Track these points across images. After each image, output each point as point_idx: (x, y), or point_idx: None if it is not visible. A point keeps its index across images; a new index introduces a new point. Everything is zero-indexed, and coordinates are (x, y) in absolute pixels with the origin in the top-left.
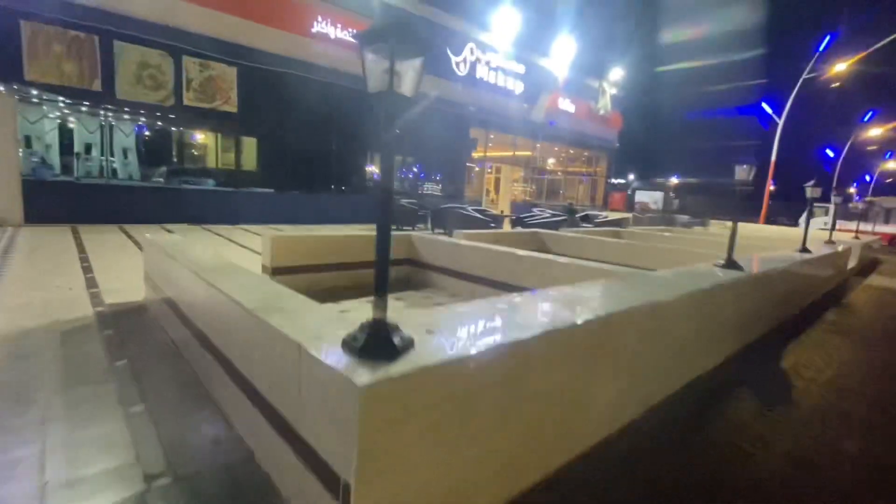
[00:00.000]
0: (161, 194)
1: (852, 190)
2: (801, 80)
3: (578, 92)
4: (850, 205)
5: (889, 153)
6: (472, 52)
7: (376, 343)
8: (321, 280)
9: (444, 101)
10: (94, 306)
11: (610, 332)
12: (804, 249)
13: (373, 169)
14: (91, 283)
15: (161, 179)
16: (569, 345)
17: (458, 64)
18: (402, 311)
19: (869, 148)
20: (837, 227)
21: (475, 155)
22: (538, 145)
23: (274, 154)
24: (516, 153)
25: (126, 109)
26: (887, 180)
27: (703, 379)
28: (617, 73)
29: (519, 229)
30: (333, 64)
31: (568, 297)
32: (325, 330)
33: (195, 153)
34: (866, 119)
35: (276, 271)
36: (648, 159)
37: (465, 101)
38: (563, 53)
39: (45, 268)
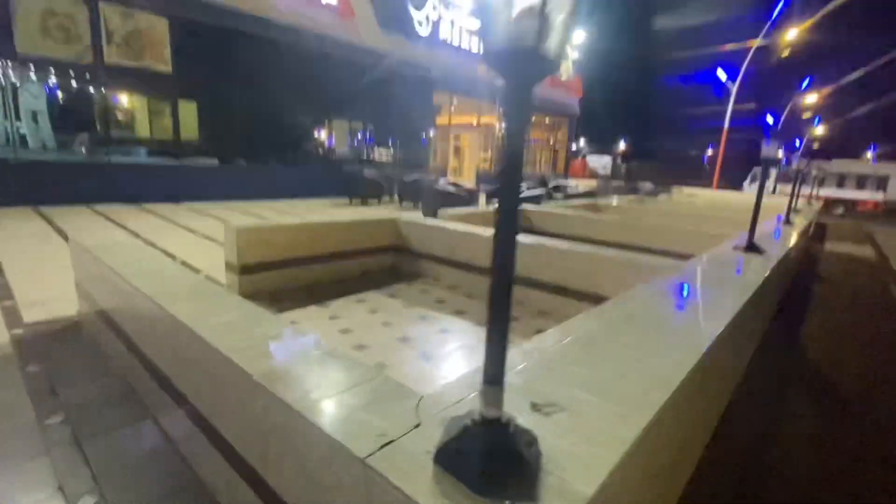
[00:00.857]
0: (86, 169)
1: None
2: (753, 49)
3: None
4: (793, 168)
5: (818, 119)
6: (434, 9)
7: (503, 465)
8: (298, 276)
9: (406, 62)
10: (10, 327)
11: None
12: (787, 221)
13: (324, 137)
14: (4, 293)
15: (83, 150)
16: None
17: (420, 22)
18: (423, 324)
19: (805, 115)
20: (778, 190)
21: (439, 122)
22: (502, 111)
23: (216, 121)
24: (481, 120)
25: (33, 67)
26: (815, 145)
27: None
28: (579, 37)
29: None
30: (283, 18)
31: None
32: (393, 413)
33: (124, 119)
34: (803, 86)
35: (245, 270)
36: (608, 126)
37: (429, 62)
38: None
39: None
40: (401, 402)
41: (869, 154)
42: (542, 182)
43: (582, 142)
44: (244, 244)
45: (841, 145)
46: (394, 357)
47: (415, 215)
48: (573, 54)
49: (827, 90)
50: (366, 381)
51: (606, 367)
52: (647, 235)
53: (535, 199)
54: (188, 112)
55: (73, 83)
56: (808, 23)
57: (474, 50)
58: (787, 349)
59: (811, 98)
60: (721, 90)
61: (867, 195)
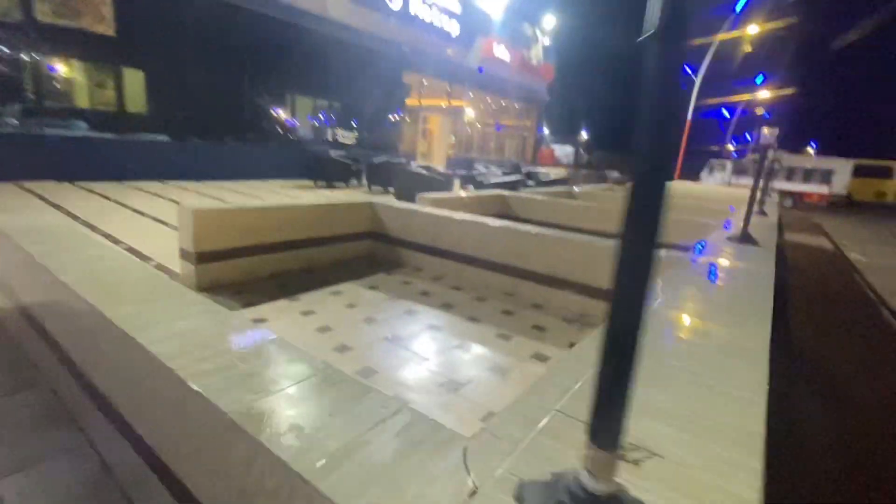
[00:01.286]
0: (16, 141)
1: (731, 147)
2: (715, 42)
3: (513, 39)
4: (748, 159)
5: (767, 114)
6: None
7: None
8: (263, 265)
9: (375, 37)
10: None
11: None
12: (762, 212)
13: (285, 115)
14: None
15: (14, 121)
16: None
17: None
18: (410, 321)
19: (758, 110)
20: (733, 182)
21: (409, 102)
22: (471, 94)
23: (166, 93)
24: (452, 103)
25: None
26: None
27: None
28: (550, 21)
29: (482, 191)
30: None
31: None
32: (437, 471)
33: (60, 88)
34: (759, 82)
35: (203, 258)
36: (575, 113)
37: (399, 39)
38: None
39: None
40: (442, 453)
41: (810, 149)
42: (517, 168)
43: (546, 131)
44: (201, 228)
45: (784, 140)
46: (384, 360)
47: (392, 199)
48: (544, 40)
49: (778, 87)
50: (389, 415)
51: (679, 390)
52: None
53: (512, 186)
54: (134, 81)
55: (2, 44)
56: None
57: (447, 28)
58: (787, 344)
59: (764, 94)
60: (685, 83)
61: (814, 188)
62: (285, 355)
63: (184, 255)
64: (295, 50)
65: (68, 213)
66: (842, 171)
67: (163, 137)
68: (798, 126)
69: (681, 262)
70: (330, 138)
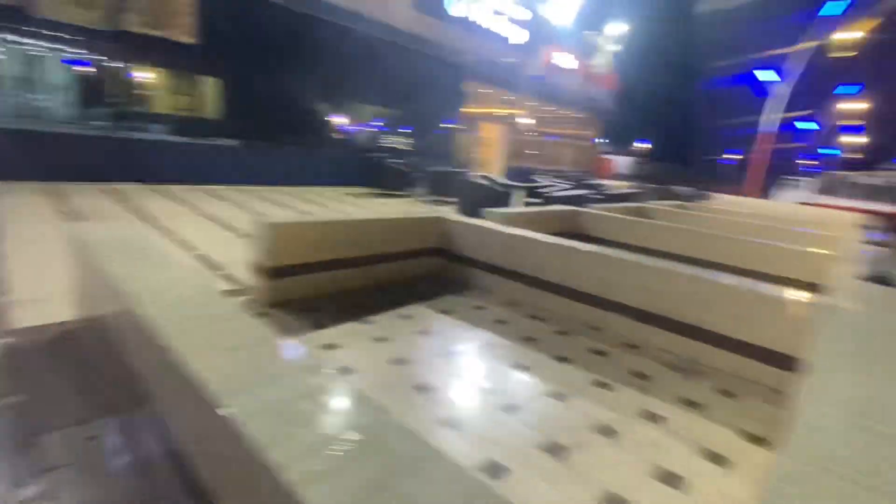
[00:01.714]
0: (105, 145)
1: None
2: (811, 47)
3: (577, 47)
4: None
5: (861, 128)
6: None
7: None
8: (332, 281)
9: (436, 45)
10: None
11: None
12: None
13: (342, 121)
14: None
15: (102, 124)
16: None
17: (452, 3)
18: (489, 356)
19: (848, 123)
20: (812, 201)
21: (467, 111)
22: (529, 103)
23: (238, 99)
24: (513, 111)
25: (55, 34)
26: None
27: None
28: (618, 29)
29: (552, 207)
30: None
31: None
32: None
33: (142, 94)
34: (844, 93)
35: (276, 273)
36: (631, 126)
37: (460, 47)
38: (567, 1)
39: None
40: None
41: None
42: (581, 181)
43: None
44: (277, 243)
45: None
46: (467, 406)
47: (461, 216)
48: (611, 47)
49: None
50: None
51: None
52: (732, 250)
53: (581, 200)
54: (211, 88)
55: (93, 54)
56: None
57: (510, 36)
58: None
59: (857, 105)
60: (761, 93)
61: None
62: (349, 398)
63: (257, 269)
64: (356, 57)
65: (147, 217)
66: None
67: (231, 142)
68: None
69: (840, 316)
70: (384, 145)
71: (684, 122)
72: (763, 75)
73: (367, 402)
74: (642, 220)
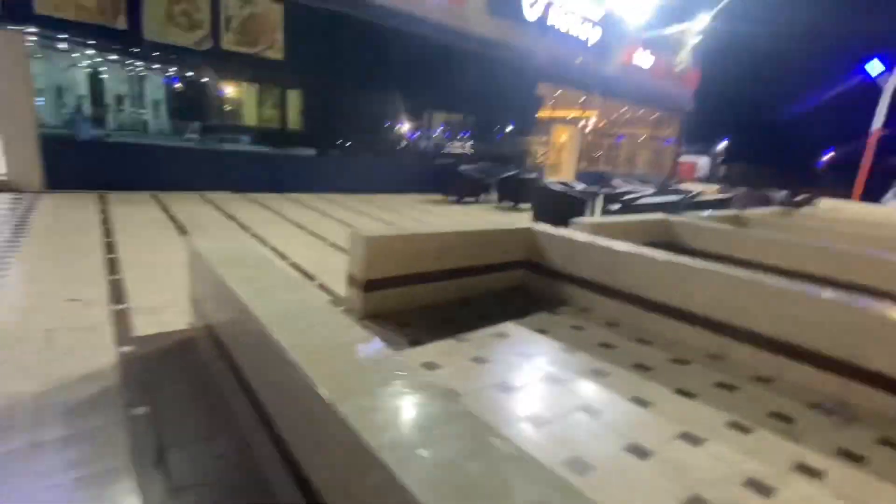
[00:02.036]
0: (198, 156)
1: None
2: None
3: (656, 43)
4: None
5: None
6: None
7: None
8: (423, 294)
9: (510, 48)
10: (120, 344)
11: None
12: None
13: (410, 128)
14: (116, 293)
15: (195, 136)
16: None
17: (529, 5)
18: (603, 386)
19: None
20: None
21: (541, 115)
22: (603, 103)
23: (317, 110)
24: (585, 113)
25: (156, 54)
26: None
27: None
28: (700, 22)
29: (643, 216)
30: (395, 3)
31: None
32: None
33: (231, 107)
34: None
35: (371, 285)
36: (712, 124)
37: (534, 49)
38: None
39: (56, 261)
40: None
41: None
42: (666, 186)
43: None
44: (372, 256)
45: None
46: (585, 445)
47: (551, 227)
48: (694, 39)
49: None
50: None
51: None
52: (861, 268)
53: (670, 207)
54: (293, 100)
55: (190, 70)
56: None
57: (584, 37)
58: None
59: None
60: (870, 87)
61: None
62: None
63: (352, 281)
64: (430, 65)
65: (241, 224)
66: None
67: (310, 151)
68: None
69: None
70: (453, 151)
71: (775, 119)
72: (872, 68)
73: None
74: (747, 230)
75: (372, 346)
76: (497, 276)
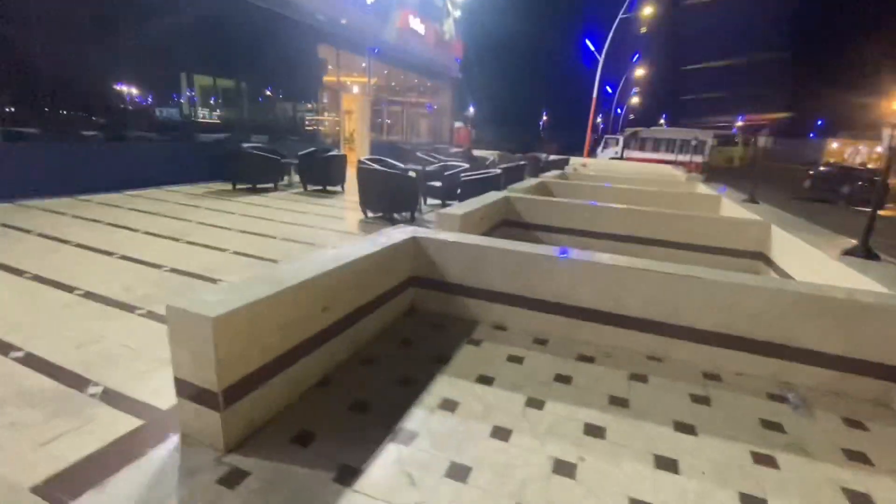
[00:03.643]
0: None
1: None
2: (617, 20)
3: (426, 12)
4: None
5: (633, 90)
6: None
7: None
8: (312, 370)
9: (287, 3)
10: None
11: None
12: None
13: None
14: None
15: None
16: None
17: None
18: (610, 455)
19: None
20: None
21: (326, 80)
22: (385, 72)
23: None
24: (365, 80)
25: None
26: (630, 116)
27: None
28: None
29: (488, 197)
30: None
31: None
32: None
33: None
34: (634, 59)
35: (232, 394)
36: (492, 94)
37: (312, 7)
38: None
39: None
40: None
41: (662, 120)
42: (472, 159)
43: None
44: (229, 343)
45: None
46: None
47: (437, 232)
48: (455, 12)
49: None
50: None
51: None
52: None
53: (493, 182)
54: None
55: None
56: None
57: None
58: None
59: (639, 71)
60: (590, 61)
61: (696, 158)
62: None
63: (194, 396)
64: (189, 19)
65: None
66: None
67: None
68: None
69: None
70: (194, 118)
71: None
72: (591, 45)
73: None
74: (572, 201)
75: None
76: (388, 309)
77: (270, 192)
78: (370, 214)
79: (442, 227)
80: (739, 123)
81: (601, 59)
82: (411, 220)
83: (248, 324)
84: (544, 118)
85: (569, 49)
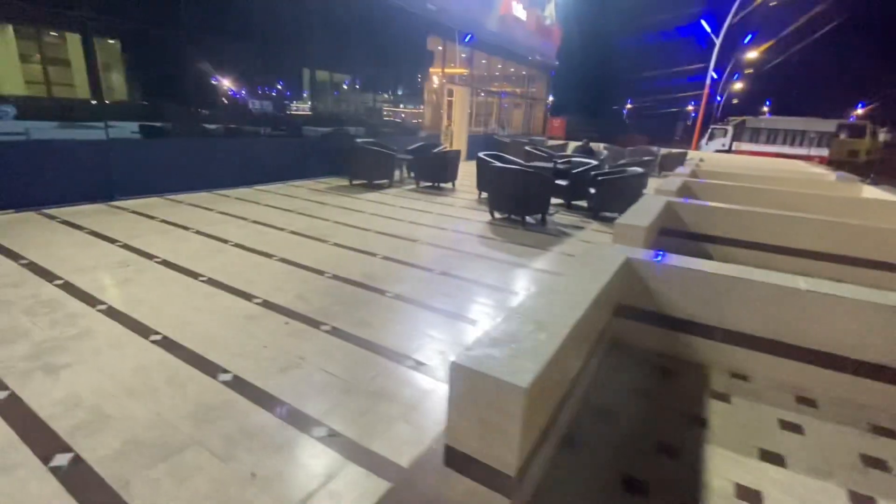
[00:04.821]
0: None
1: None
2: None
3: None
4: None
5: (737, 74)
6: None
7: None
8: None
9: None
10: None
11: None
12: None
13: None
14: None
15: None
16: None
17: None
18: None
19: (747, 71)
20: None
21: (432, 71)
22: (483, 61)
23: (144, 70)
24: (464, 71)
25: None
26: (734, 101)
27: None
28: None
29: (651, 201)
30: None
31: None
32: None
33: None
34: (746, 41)
35: None
36: (582, 81)
37: None
38: None
39: None
40: None
41: (765, 108)
42: (587, 150)
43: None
44: (528, 429)
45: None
46: None
47: (647, 252)
48: None
49: (762, 46)
50: None
51: None
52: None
53: (635, 181)
54: (112, 55)
55: None
56: None
57: None
58: None
59: (751, 54)
60: (705, 42)
61: (818, 152)
62: None
63: (474, 474)
64: (307, 16)
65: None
66: None
67: (133, 131)
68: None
69: None
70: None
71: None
72: (706, 25)
73: None
74: (757, 210)
75: None
76: (594, 346)
77: (386, 189)
78: (497, 216)
79: (624, 242)
80: (859, 111)
81: (718, 42)
82: (543, 224)
83: (541, 391)
84: (628, 106)
85: (670, 33)
